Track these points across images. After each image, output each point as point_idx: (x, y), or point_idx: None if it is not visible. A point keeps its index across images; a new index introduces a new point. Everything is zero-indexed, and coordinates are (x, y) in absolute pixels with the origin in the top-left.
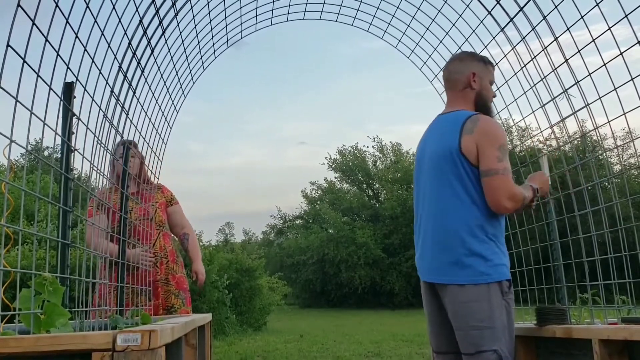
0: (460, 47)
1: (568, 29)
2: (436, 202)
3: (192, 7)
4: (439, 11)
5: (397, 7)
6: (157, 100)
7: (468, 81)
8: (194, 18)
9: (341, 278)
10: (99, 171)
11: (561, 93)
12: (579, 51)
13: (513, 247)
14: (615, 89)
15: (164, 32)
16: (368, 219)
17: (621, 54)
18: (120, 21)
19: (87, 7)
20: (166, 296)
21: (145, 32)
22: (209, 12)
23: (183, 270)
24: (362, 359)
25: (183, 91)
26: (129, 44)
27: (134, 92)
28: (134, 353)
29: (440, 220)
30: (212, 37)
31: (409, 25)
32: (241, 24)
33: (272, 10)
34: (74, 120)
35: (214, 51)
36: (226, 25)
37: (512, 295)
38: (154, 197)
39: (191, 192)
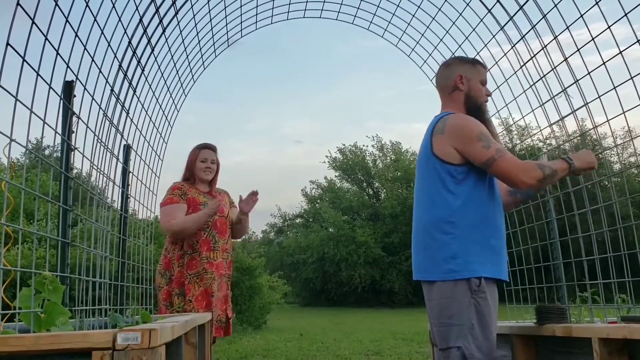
0: (460, 46)
1: (567, 27)
2: (417, 202)
3: (192, 6)
4: (439, 9)
5: (398, 6)
6: (157, 99)
7: (455, 84)
8: (194, 17)
9: (341, 277)
10: (98, 170)
11: (561, 92)
12: (578, 50)
13: (513, 245)
14: (614, 88)
15: (164, 31)
16: (368, 218)
17: (620, 52)
18: (120, 20)
19: (87, 5)
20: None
21: (145, 31)
22: (209, 11)
23: None
24: (362, 357)
25: (184, 90)
26: (129, 42)
27: (134, 91)
28: (134, 352)
29: (418, 219)
30: (213, 36)
31: (409, 24)
32: (241, 22)
33: (273, 9)
34: (74, 119)
35: (215, 50)
36: (226, 24)
37: (484, 293)
38: (224, 198)
39: None
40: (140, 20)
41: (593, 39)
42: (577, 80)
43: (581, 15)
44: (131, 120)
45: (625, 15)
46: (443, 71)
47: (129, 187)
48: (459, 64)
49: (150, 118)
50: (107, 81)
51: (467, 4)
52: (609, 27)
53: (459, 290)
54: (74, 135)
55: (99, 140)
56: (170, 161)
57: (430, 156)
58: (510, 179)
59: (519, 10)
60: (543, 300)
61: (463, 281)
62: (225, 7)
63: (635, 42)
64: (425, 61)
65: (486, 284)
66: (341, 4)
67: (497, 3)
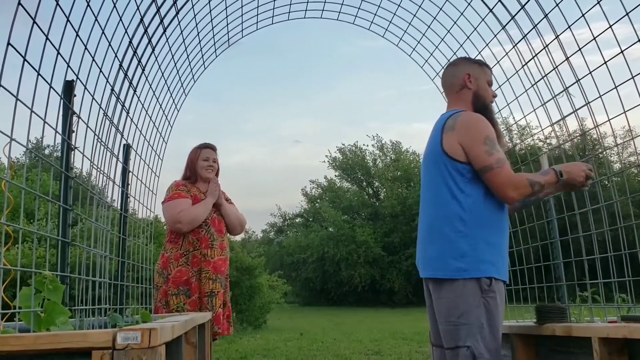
0: (461, 45)
1: (569, 27)
2: (424, 200)
3: (193, 6)
4: (441, 9)
5: (399, 5)
6: (157, 99)
7: (463, 82)
8: (195, 17)
9: (341, 276)
10: (98, 169)
11: (562, 91)
12: (579, 49)
13: (514, 245)
14: (615, 87)
15: (164, 31)
16: (368, 218)
17: (622, 52)
18: (121, 20)
19: (88, 5)
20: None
21: (146, 30)
22: (210, 11)
23: None
24: (362, 357)
25: (184, 90)
26: (130, 42)
27: (135, 91)
28: (134, 351)
29: (426, 217)
30: (214, 35)
31: (410, 24)
32: (242, 22)
33: (274, 9)
34: (74, 118)
35: (215, 50)
36: (227, 25)
37: (493, 293)
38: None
39: None
40: (141, 20)
41: (594, 38)
42: (579, 80)
43: (582, 15)
44: (131, 119)
45: (627, 14)
46: (450, 70)
47: (129, 186)
48: (467, 64)
49: (151, 118)
50: (107, 81)
51: (469, 4)
52: (610, 27)
53: (468, 289)
54: (74, 134)
55: (99, 140)
56: (170, 160)
57: (440, 153)
58: (499, 192)
59: (520, 9)
60: (543, 300)
61: (473, 280)
62: (227, 7)
63: (636, 42)
64: (426, 61)
65: (495, 284)
66: (342, 4)
67: (499, 2)
